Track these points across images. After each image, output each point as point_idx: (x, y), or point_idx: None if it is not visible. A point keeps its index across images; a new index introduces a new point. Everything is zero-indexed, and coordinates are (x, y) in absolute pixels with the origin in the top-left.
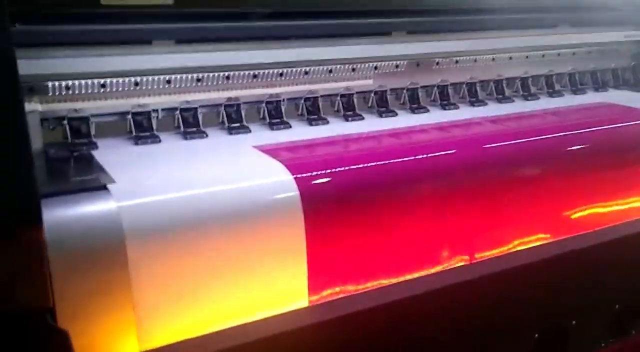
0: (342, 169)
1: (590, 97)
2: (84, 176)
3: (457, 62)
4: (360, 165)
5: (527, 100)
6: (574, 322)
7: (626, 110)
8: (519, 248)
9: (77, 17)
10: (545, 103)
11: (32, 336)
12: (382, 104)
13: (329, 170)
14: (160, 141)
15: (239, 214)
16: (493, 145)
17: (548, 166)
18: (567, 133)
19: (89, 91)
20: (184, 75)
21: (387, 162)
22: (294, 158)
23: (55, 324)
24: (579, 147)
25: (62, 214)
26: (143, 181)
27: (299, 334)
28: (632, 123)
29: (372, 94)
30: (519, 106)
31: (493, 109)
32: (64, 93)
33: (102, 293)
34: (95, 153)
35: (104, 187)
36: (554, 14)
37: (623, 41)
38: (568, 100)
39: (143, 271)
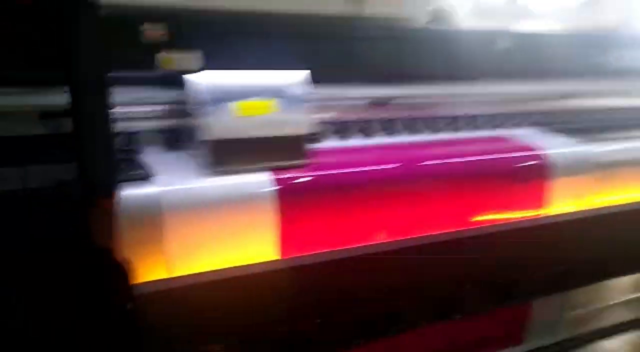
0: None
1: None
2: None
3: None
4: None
5: (452, 132)
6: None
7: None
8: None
9: None
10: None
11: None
12: None
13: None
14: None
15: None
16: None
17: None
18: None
19: None
20: None
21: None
22: None
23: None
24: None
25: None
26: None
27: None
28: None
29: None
30: (445, 136)
31: (424, 138)
32: None
33: (145, 241)
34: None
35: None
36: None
37: None
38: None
39: (171, 231)
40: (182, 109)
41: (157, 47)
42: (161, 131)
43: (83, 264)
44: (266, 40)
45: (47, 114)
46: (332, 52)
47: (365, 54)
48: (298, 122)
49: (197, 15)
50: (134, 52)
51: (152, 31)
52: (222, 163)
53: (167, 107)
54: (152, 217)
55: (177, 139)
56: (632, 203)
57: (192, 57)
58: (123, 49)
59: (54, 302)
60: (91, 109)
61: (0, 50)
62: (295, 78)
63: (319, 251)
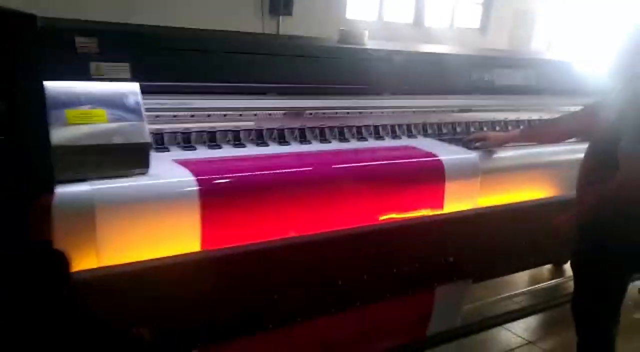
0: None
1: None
2: None
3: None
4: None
5: (359, 141)
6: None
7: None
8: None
9: None
10: (369, 144)
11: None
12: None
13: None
14: None
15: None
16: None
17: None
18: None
19: None
20: None
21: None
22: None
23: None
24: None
25: None
26: None
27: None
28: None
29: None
30: (353, 145)
31: (334, 146)
32: None
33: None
34: None
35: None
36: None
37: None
38: (385, 143)
39: (104, 223)
40: None
41: (90, 57)
42: None
43: (24, 254)
44: (186, 54)
45: None
46: (248, 66)
47: (281, 69)
48: (128, 132)
49: (125, 30)
50: (69, 62)
51: (86, 43)
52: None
53: None
54: (85, 213)
55: None
56: (513, 203)
57: (121, 68)
58: (59, 59)
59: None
60: (30, 114)
61: None
62: (127, 89)
63: (234, 245)
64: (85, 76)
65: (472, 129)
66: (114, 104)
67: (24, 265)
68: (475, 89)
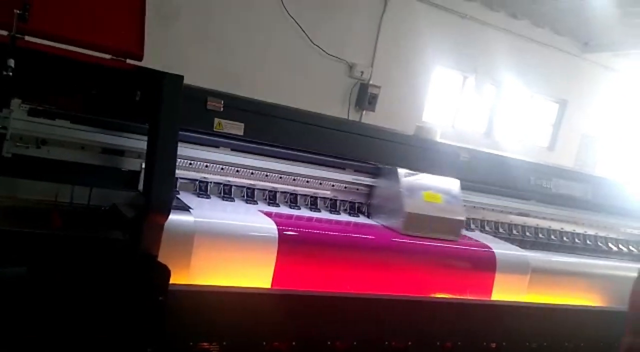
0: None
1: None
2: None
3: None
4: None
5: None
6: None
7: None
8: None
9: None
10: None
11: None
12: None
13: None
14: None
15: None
16: None
17: None
18: None
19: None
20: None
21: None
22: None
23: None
24: None
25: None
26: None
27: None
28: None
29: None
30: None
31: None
32: None
33: (178, 254)
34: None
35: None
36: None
37: None
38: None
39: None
40: None
41: (215, 114)
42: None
43: (134, 262)
44: (286, 124)
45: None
46: (333, 143)
47: (360, 150)
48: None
49: (244, 98)
50: (199, 117)
51: (213, 103)
52: None
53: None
54: (186, 238)
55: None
56: (559, 304)
57: (237, 126)
58: (191, 113)
59: (111, 289)
60: (164, 152)
61: (97, 100)
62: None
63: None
64: (209, 129)
65: (527, 233)
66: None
67: (134, 271)
68: (534, 195)
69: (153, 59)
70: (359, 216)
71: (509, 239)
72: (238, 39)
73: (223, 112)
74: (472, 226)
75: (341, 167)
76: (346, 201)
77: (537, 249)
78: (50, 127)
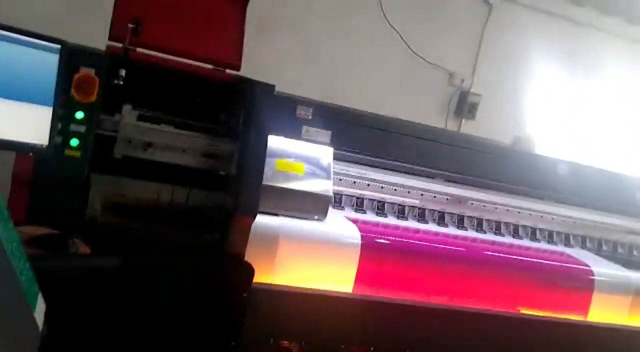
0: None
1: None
2: None
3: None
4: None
5: (513, 237)
6: None
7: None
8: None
9: None
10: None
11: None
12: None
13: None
14: None
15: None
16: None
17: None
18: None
19: None
20: None
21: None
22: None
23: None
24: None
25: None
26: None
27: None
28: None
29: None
30: (507, 240)
31: (488, 237)
32: None
33: (263, 255)
34: None
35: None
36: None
37: None
38: (540, 245)
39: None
40: None
41: (304, 122)
42: None
43: (221, 260)
44: (375, 133)
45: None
46: (422, 152)
47: (451, 159)
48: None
49: (333, 106)
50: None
51: (302, 111)
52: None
53: None
54: (271, 239)
55: None
56: None
57: (324, 134)
58: (282, 119)
59: (199, 285)
60: (252, 158)
61: (197, 107)
62: (324, 152)
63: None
64: (298, 136)
65: (634, 252)
66: (311, 161)
67: (221, 268)
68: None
69: (254, 71)
70: (447, 226)
71: (612, 257)
72: (336, 49)
73: (311, 121)
74: (572, 242)
75: (430, 176)
76: (435, 210)
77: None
78: (156, 131)
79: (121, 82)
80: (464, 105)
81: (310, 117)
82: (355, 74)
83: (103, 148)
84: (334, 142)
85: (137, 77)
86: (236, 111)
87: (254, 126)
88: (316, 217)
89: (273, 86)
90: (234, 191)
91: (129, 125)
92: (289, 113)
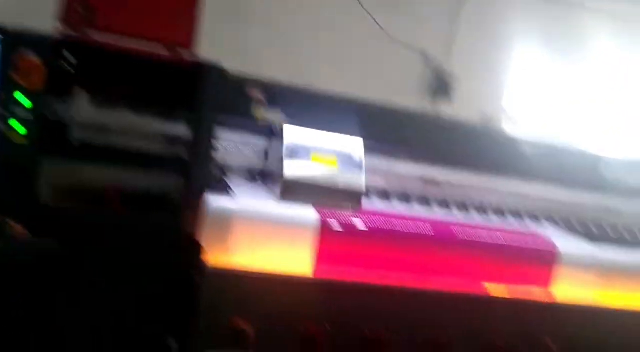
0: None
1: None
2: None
3: None
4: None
5: (480, 216)
6: None
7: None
8: None
9: None
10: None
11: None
12: None
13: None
14: None
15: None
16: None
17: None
18: None
19: None
20: None
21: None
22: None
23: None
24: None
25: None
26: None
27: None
28: None
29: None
30: (474, 218)
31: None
32: None
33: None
34: None
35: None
36: None
37: None
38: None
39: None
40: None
41: (255, 102)
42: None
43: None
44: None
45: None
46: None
47: (411, 137)
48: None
49: (285, 86)
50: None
51: (254, 91)
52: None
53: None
54: (225, 220)
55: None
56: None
57: (276, 114)
58: (233, 102)
59: (148, 265)
60: (201, 141)
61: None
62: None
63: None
64: (250, 116)
65: (604, 229)
66: (344, 155)
67: (172, 250)
68: (610, 190)
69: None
70: (412, 206)
71: (582, 234)
72: (309, 32)
73: (263, 101)
74: (541, 220)
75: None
76: (399, 190)
77: (610, 245)
78: (111, 116)
79: (71, 67)
80: (441, 86)
81: (263, 97)
82: (328, 57)
83: (57, 133)
84: (289, 122)
85: (90, 61)
86: (190, 94)
87: (203, 107)
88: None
89: (223, 67)
90: (186, 173)
91: (83, 110)
92: (241, 93)
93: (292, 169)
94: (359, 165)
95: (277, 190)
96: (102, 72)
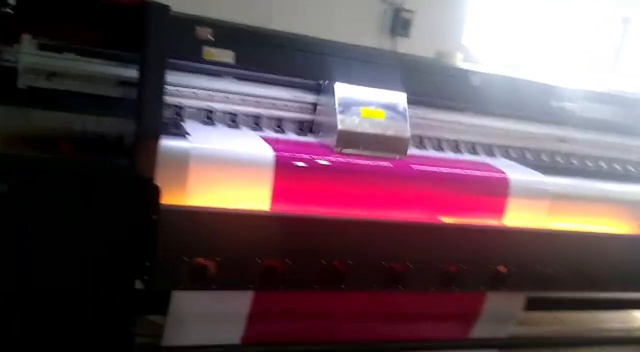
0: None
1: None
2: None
3: None
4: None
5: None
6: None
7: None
8: None
9: None
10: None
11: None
12: None
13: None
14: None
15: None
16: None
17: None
18: None
19: None
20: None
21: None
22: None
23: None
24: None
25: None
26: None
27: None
28: None
29: None
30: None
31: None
32: None
33: (174, 178)
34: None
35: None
36: None
37: None
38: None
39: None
40: None
41: (204, 43)
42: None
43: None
44: (280, 52)
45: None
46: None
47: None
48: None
49: (236, 26)
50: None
51: (202, 32)
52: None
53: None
54: (181, 161)
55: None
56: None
57: (227, 54)
58: (180, 42)
59: (104, 210)
60: (152, 82)
61: (95, 33)
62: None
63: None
64: (198, 57)
65: (558, 159)
66: (390, 107)
67: (130, 191)
68: (556, 119)
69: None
70: None
71: (535, 165)
72: None
73: (213, 42)
74: (496, 152)
75: None
76: None
77: (559, 175)
78: (58, 60)
79: (11, 10)
80: (398, 23)
81: (211, 37)
82: None
83: (3, 79)
84: (239, 63)
85: (33, 4)
86: (138, 35)
87: (151, 49)
88: (397, 157)
89: (167, 7)
90: (136, 116)
91: (29, 55)
92: (189, 34)
93: (346, 122)
94: (403, 116)
95: (331, 140)
96: (46, 14)
